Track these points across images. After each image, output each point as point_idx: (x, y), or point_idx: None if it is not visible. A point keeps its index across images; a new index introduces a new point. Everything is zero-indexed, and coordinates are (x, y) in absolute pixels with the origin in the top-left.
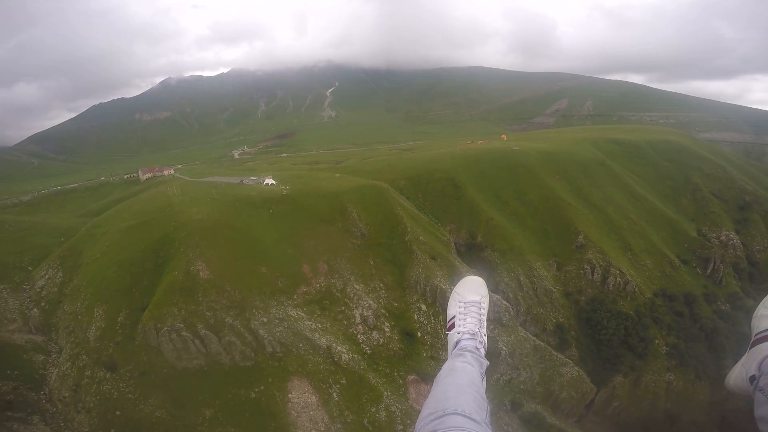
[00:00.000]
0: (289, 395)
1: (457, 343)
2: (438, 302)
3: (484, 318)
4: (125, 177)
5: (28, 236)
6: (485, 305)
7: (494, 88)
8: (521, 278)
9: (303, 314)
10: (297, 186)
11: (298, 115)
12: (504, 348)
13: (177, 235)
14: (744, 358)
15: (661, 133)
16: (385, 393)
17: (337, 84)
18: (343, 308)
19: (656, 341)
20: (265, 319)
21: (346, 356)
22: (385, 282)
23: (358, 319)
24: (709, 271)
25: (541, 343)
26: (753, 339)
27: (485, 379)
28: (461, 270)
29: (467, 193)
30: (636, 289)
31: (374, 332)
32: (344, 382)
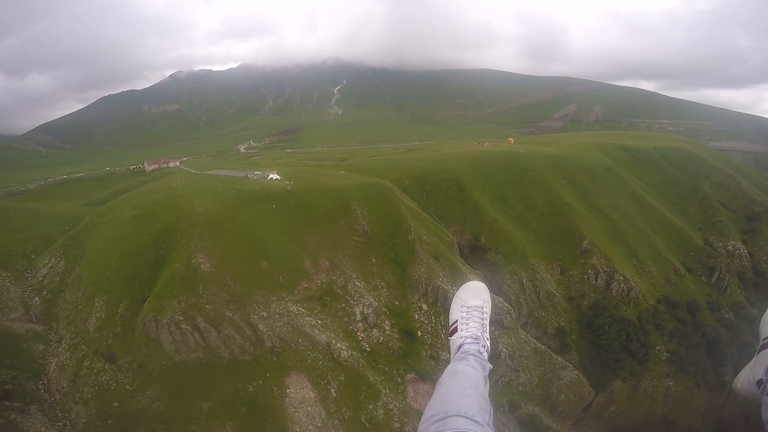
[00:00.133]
0: (287, 390)
1: (459, 347)
2: (439, 302)
3: (487, 322)
4: (131, 168)
5: (32, 224)
6: (487, 309)
7: (502, 90)
8: (524, 281)
9: (303, 310)
10: (301, 182)
11: (305, 111)
12: (504, 350)
13: (179, 226)
14: (752, 362)
15: (671, 140)
16: (384, 391)
17: (344, 82)
18: (343, 305)
19: (657, 347)
20: (265, 314)
21: (346, 353)
22: (387, 280)
23: (359, 317)
24: (714, 279)
25: (542, 346)
26: (761, 343)
27: (488, 382)
28: (464, 271)
29: (472, 195)
30: (639, 296)
31: (374, 330)
32: (343, 378)
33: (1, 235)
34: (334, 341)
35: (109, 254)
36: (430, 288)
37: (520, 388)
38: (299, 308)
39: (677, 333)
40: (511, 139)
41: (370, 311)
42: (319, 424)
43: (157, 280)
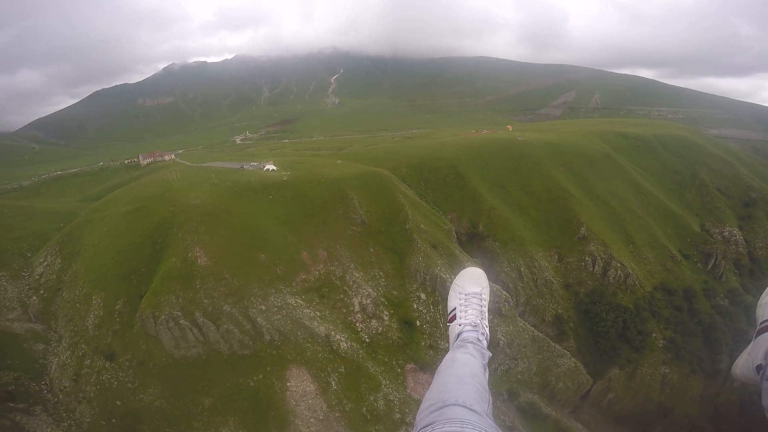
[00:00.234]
0: (288, 384)
1: (458, 335)
2: (438, 291)
3: (485, 309)
4: (126, 162)
5: (27, 222)
6: (486, 296)
7: (500, 78)
8: (522, 269)
9: (302, 302)
10: (298, 172)
11: (301, 101)
12: (502, 338)
13: (175, 220)
14: (750, 346)
15: (670, 128)
16: (384, 382)
17: (341, 71)
18: (342, 296)
19: (654, 335)
20: (263, 307)
21: (345, 345)
22: (385, 270)
23: (357, 308)
24: (710, 266)
25: (540, 334)
26: (759, 327)
27: (487, 370)
28: (462, 259)
29: (470, 182)
30: (636, 283)
31: (373, 321)
32: (343, 370)
33: None
34: (333, 333)
35: (105, 250)
36: (428, 277)
37: (519, 377)
38: (297, 300)
39: (673, 320)
40: (510, 127)
41: (369, 302)
42: (320, 417)
43: (154, 276)
